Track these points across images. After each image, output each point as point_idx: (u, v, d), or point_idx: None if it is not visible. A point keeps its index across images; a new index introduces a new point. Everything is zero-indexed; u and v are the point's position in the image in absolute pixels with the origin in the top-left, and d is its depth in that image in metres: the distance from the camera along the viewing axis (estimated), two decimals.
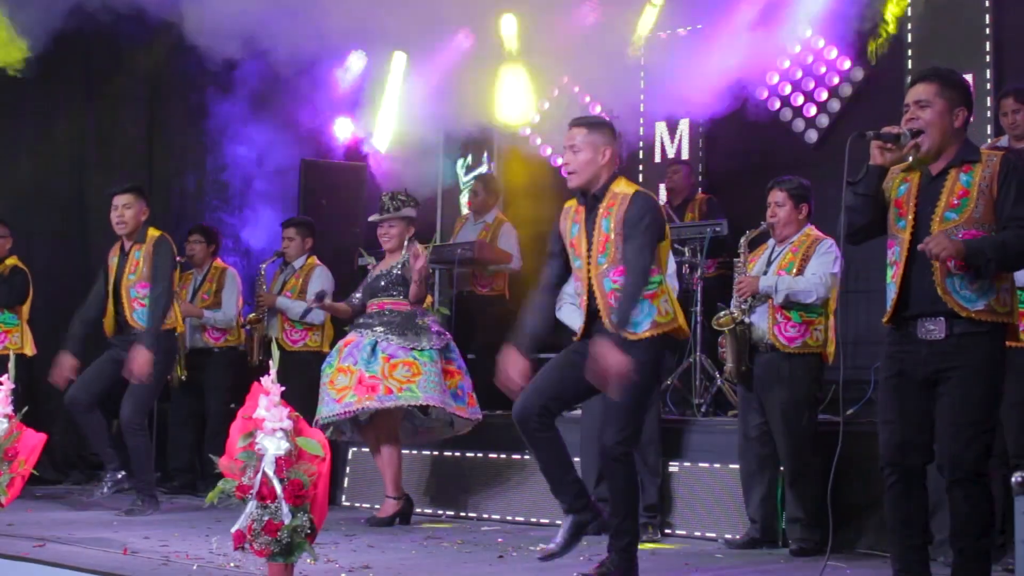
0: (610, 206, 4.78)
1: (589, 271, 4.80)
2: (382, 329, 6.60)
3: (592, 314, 4.81)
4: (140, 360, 6.75)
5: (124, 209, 6.97)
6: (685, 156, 9.22)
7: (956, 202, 4.07)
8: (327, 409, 6.51)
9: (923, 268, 4.07)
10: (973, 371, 4.00)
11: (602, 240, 4.76)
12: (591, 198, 4.84)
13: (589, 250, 4.81)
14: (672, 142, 9.32)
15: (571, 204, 4.97)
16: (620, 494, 4.75)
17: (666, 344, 4.81)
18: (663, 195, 8.84)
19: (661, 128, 9.35)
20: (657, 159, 9.36)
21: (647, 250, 4.70)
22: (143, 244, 6.98)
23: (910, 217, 4.12)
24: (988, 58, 7.71)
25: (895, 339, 4.17)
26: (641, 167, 9.36)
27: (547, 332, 5.00)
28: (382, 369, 6.48)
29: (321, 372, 6.71)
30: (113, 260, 7.10)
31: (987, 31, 7.76)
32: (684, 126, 9.25)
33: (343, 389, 6.50)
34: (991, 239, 3.99)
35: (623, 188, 4.83)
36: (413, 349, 6.56)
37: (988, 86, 7.64)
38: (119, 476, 6.97)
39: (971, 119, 4.21)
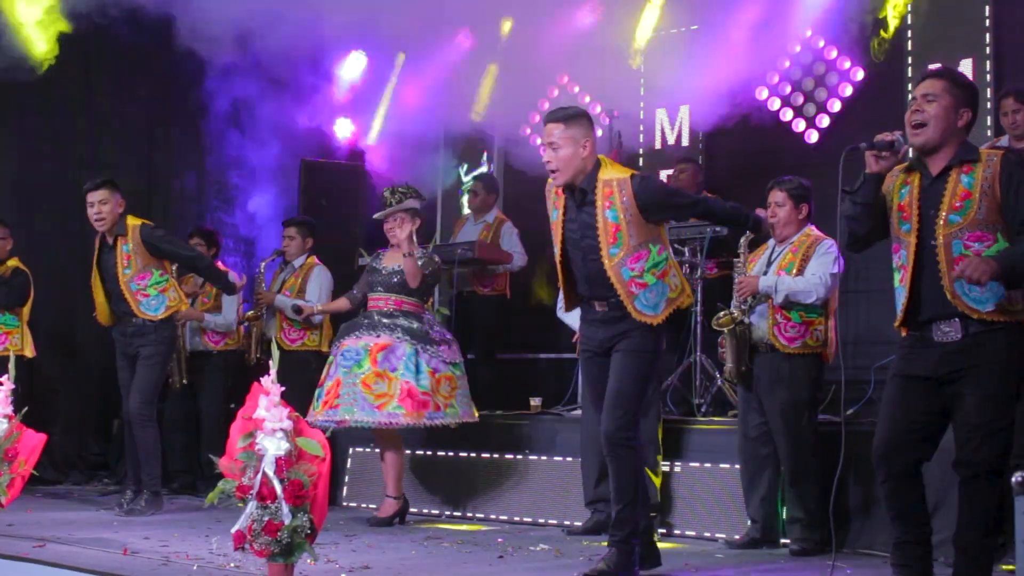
0: (608, 195, 4.78)
1: (566, 253, 4.88)
2: (417, 339, 6.53)
3: (589, 298, 4.87)
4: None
5: (101, 205, 6.96)
6: (685, 143, 9.16)
7: (959, 204, 4.06)
8: (364, 414, 6.40)
9: (932, 271, 4.07)
10: (989, 369, 4.00)
11: (611, 231, 4.76)
12: (579, 192, 4.84)
13: (564, 236, 4.89)
14: (672, 128, 9.30)
15: (551, 182, 4.97)
16: (624, 481, 4.75)
17: (671, 321, 4.89)
18: None
19: (661, 115, 9.34)
20: (658, 146, 9.34)
21: (691, 196, 5.07)
22: (126, 236, 6.98)
23: (914, 220, 4.12)
24: (988, 50, 7.69)
25: (910, 342, 4.16)
26: (641, 159, 9.33)
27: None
28: (431, 384, 6.48)
29: (343, 369, 6.54)
30: (96, 252, 7.12)
31: (987, 22, 7.74)
32: (684, 113, 9.22)
33: (383, 396, 6.41)
34: (1018, 250, 3.97)
35: (613, 173, 4.83)
36: (450, 363, 6.61)
37: (988, 78, 7.63)
38: (131, 496, 6.98)
39: (974, 122, 4.21)
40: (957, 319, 4.03)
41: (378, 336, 6.55)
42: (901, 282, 4.14)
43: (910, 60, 8.01)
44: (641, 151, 9.29)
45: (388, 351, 6.50)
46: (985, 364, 4.00)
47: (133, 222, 7.05)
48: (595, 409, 4.99)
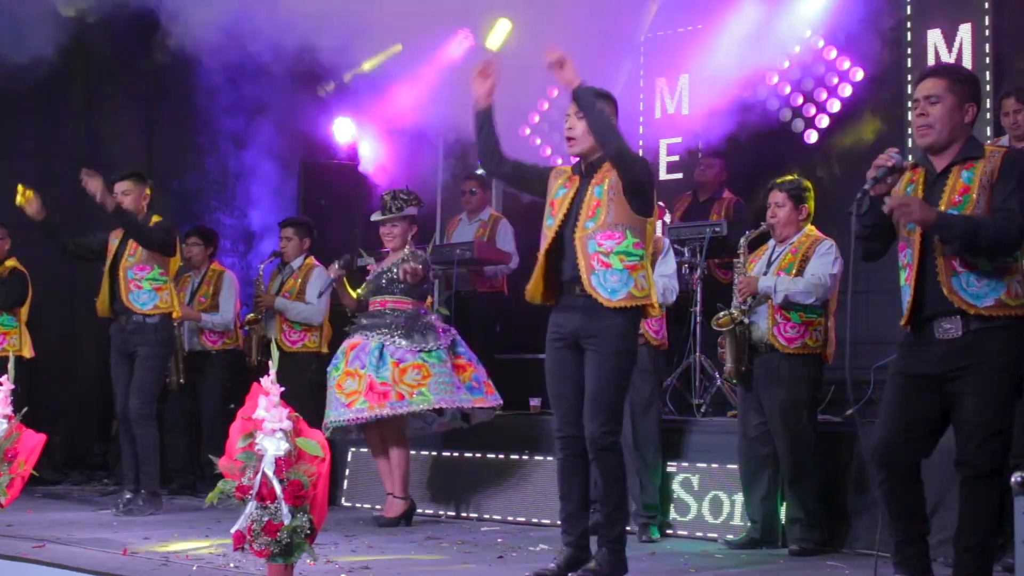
0: (606, 172, 4.82)
1: (563, 232, 4.81)
2: (387, 331, 6.60)
3: (563, 283, 4.84)
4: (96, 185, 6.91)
5: (123, 196, 7.06)
6: (686, 112, 9.14)
7: (958, 199, 4.07)
8: (336, 414, 6.51)
9: (935, 268, 4.07)
10: (989, 367, 3.99)
11: (593, 205, 4.79)
12: (587, 167, 4.87)
13: (567, 214, 4.81)
14: (672, 98, 9.29)
15: (566, 169, 4.99)
16: (612, 482, 4.76)
17: (638, 318, 4.86)
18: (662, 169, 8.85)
19: (661, 84, 9.33)
20: (657, 115, 9.33)
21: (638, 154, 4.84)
22: None
23: None
24: (987, 15, 7.66)
25: (913, 340, 4.16)
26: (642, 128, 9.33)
27: (489, 132, 5.01)
28: (392, 375, 6.48)
29: (327, 375, 6.71)
30: (113, 243, 7.16)
31: None
32: (684, 82, 9.21)
33: (352, 394, 6.49)
34: (968, 218, 4.00)
35: None
36: (421, 351, 6.58)
37: (987, 43, 7.61)
38: (129, 497, 6.99)
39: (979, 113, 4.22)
40: (958, 316, 4.03)
41: (353, 338, 6.67)
42: (907, 280, 4.15)
43: (908, 22, 7.98)
44: (641, 143, 9.29)
45: (358, 349, 6.59)
46: (985, 362, 3.99)
47: (155, 218, 7.15)
48: (556, 405, 4.88)
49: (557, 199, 4.91)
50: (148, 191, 7.21)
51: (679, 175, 9.02)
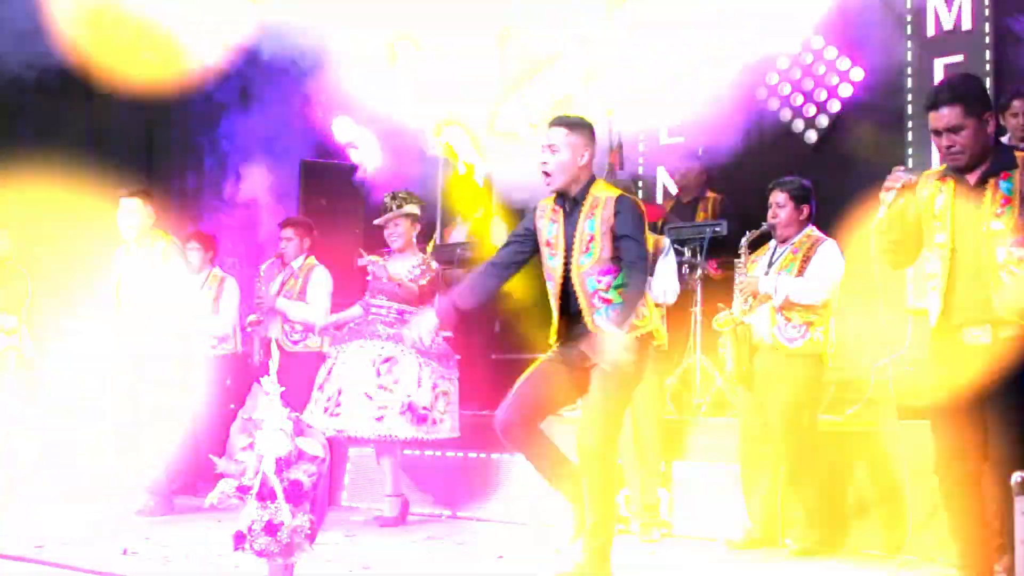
0: (594, 207, 4.72)
1: (568, 271, 4.72)
2: (421, 353, 6.56)
3: (570, 316, 4.76)
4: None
5: (131, 215, 6.98)
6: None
7: (1000, 211, 4.06)
8: (366, 428, 6.48)
9: (969, 279, 4.07)
10: (1021, 372, 4.00)
11: (586, 240, 4.70)
12: (570, 201, 4.77)
13: (568, 250, 4.73)
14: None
15: (548, 202, 4.88)
16: (598, 494, 4.67)
17: (646, 347, 4.78)
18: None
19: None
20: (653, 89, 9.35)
21: (646, 250, 4.70)
22: (151, 248, 7.00)
23: (950, 229, 4.12)
24: None
25: (942, 347, 4.17)
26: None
27: (472, 306, 4.95)
28: (431, 400, 6.58)
29: (347, 379, 6.61)
30: (121, 261, 7.11)
31: None
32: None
33: (384, 408, 6.50)
34: None
35: (603, 191, 4.76)
36: (448, 379, 6.72)
37: (987, 12, 7.61)
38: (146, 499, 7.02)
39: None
40: (988, 324, 4.04)
41: (383, 347, 6.62)
42: (934, 289, 4.15)
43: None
44: (641, 142, 9.27)
45: (391, 363, 6.58)
46: (1017, 367, 4.00)
47: (163, 236, 7.08)
48: (519, 397, 4.78)
49: (551, 237, 4.80)
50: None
51: (681, 138, 9.01)
